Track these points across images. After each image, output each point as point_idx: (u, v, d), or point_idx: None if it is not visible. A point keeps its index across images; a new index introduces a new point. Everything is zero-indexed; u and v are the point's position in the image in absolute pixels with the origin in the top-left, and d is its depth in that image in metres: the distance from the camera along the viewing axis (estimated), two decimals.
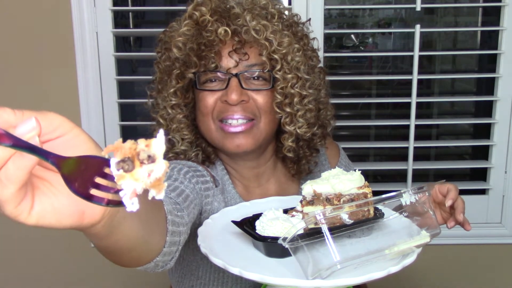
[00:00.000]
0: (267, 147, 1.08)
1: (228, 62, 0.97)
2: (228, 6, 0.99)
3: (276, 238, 0.77)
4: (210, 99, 0.99)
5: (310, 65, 1.04)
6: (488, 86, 1.86)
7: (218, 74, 0.99)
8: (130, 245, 0.61)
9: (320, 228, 0.72)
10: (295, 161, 1.09)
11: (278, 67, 0.96)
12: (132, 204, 0.40)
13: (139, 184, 0.40)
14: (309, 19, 1.13)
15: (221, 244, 0.87)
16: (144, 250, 0.68)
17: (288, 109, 0.99)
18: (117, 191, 0.41)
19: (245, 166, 1.08)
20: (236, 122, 0.97)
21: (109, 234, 0.52)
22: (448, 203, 0.92)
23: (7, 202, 0.40)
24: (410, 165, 1.81)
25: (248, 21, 0.95)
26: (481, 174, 1.91)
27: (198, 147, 1.06)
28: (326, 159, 1.21)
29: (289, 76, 0.97)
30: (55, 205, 0.43)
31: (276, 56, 0.96)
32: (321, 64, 1.12)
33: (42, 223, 0.42)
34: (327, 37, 1.89)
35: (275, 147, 1.10)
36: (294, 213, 0.90)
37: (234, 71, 0.97)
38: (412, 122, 1.77)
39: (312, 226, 0.74)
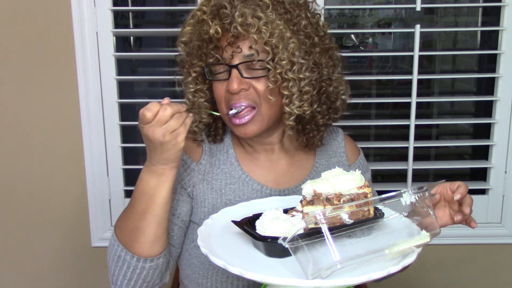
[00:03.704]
0: (276, 129, 1.13)
1: (227, 55, 1.03)
2: (223, 3, 1.03)
3: (276, 238, 0.77)
4: (220, 90, 1.06)
5: (306, 48, 1.06)
6: (488, 86, 1.85)
7: (222, 66, 1.06)
8: (161, 216, 0.98)
9: (320, 228, 0.72)
10: (304, 134, 1.15)
11: (270, 56, 1.00)
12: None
13: None
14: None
15: (221, 244, 0.87)
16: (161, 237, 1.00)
17: (285, 92, 1.03)
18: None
19: (258, 141, 1.16)
20: (240, 109, 1.04)
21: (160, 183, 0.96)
22: (457, 197, 0.96)
23: (184, 132, 0.91)
24: (410, 165, 1.82)
25: (236, 17, 1.00)
26: (481, 174, 1.91)
27: (211, 128, 1.17)
28: (345, 152, 1.25)
29: (283, 63, 1.01)
30: None
31: (267, 48, 1.00)
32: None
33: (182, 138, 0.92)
34: None
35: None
36: (294, 213, 0.90)
37: (234, 62, 1.02)
38: (412, 122, 1.77)
39: (312, 226, 0.74)
